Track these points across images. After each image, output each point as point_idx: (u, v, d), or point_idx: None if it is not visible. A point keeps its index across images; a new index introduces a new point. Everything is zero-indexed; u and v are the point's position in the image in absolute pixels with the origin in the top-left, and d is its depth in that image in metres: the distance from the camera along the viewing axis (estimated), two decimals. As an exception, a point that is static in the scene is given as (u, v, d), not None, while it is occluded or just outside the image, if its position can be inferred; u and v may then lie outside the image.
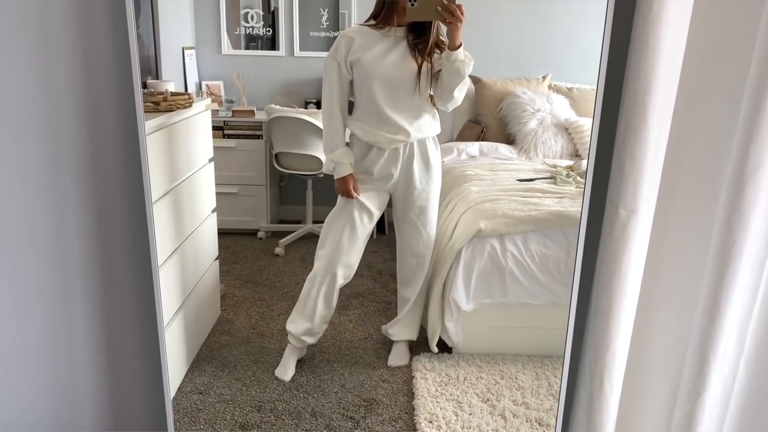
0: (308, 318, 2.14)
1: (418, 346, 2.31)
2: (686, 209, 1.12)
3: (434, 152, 2.12)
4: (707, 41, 1.05)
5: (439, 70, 1.94)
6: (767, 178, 1.01)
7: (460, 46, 1.84)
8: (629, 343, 1.23)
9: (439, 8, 1.76)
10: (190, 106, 2.05)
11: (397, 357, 2.25)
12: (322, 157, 3.04)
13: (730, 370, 1.18)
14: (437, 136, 2.14)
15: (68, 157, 1.42)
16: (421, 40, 1.93)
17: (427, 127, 2.04)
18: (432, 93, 2.00)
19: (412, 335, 2.29)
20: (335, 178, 2.06)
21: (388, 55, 1.94)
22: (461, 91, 1.96)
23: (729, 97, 1.05)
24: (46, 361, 1.55)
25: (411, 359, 2.24)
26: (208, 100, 2.31)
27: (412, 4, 1.76)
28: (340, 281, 2.14)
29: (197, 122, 2.18)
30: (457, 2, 1.76)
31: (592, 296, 1.27)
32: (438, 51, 1.95)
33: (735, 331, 1.14)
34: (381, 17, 1.94)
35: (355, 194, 2.05)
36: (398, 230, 2.23)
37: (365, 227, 2.09)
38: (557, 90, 3.24)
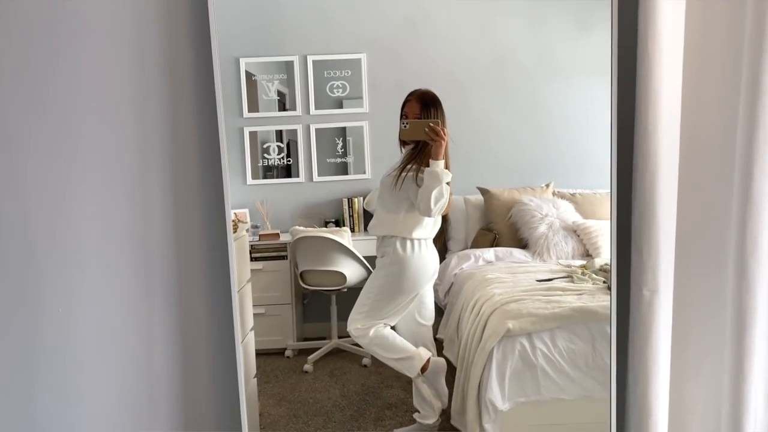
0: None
1: (459, 451, 2.33)
2: (701, 284, 1.26)
3: (401, 254, 2.41)
4: (696, 142, 1.25)
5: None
6: (766, 253, 1.17)
7: (441, 159, 2.18)
8: (668, 414, 1.32)
9: (426, 129, 2.12)
10: (236, 230, 2.24)
11: None
12: (346, 272, 3.21)
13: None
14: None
15: (156, 276, 1.62)
16: (420, 152, 2.29)
17: (396, 225, 2.38)
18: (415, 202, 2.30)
19: None
20: None
21: (393, 167, 2.34)
22: (438, 202, 2.24)
23: (722, 187, 1.22)
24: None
25: (452, 464, 2.26)
26: (248, 225, 2.52)
27: (405, 126, 2.21)
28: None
29: (240, 245, 2.36)
30: (440, 125, 2.15)
31: (629, 370, 1.37)
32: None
33: (762, 394, 1.24)
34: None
35: None
36: None
37: None
38: (561, 196, 3.44)
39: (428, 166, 2.22)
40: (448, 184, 2.24)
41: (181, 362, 1.64)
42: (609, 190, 3.31)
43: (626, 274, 1.35)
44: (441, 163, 2.19)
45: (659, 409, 1.29)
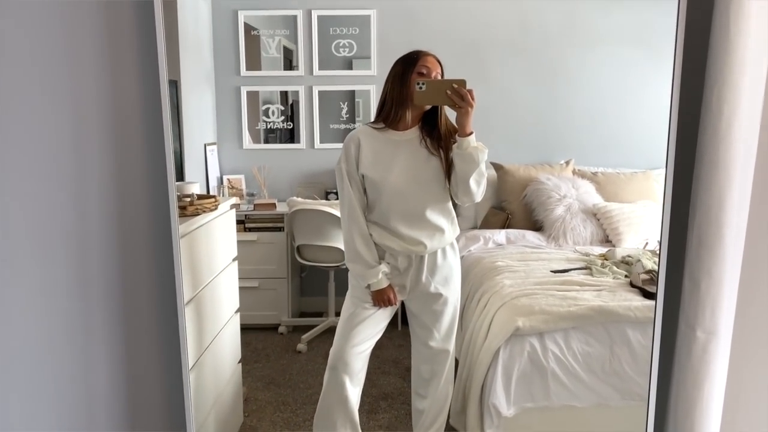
0: None
1: (457, 456, 2.15)
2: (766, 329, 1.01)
3: (452, 257, 1.95)
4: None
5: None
6: None
7: (471, 133, 1.72)
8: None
9: (449, 92, 1.66)
10: (216, 208, 2.01)
11: None
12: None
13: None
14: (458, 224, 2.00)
15: (96, 273, 1.37)
16: (434, 132, 1.82)
17: (446, 236, 1.90)
18: (450, 188, 1.85)
19: None
20: (372, 290, 1.89)
21: (398, 166, 1.81)
22: (479, 184, 1.80)
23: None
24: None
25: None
26: (233, 200, 2.27)
27: (420, 88, 1.68)
28: (350, 385, 1.94)
29: (222, 223, 2.13)
30: (468, 87, 1.67)
31: (668, 427, 1.14)
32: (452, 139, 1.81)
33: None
34: (392, 119, 1.81)
35: (393, 301, 1.90)
36: (413, 336, 2.05)
37: (373, 323, 1.94)
38: (581, 175, 3.19)
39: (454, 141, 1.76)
40: None
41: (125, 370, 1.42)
42: (635, 171, 3.12)
43: (674, 307, 1.08)
44: (473, 138, 1.72)
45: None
